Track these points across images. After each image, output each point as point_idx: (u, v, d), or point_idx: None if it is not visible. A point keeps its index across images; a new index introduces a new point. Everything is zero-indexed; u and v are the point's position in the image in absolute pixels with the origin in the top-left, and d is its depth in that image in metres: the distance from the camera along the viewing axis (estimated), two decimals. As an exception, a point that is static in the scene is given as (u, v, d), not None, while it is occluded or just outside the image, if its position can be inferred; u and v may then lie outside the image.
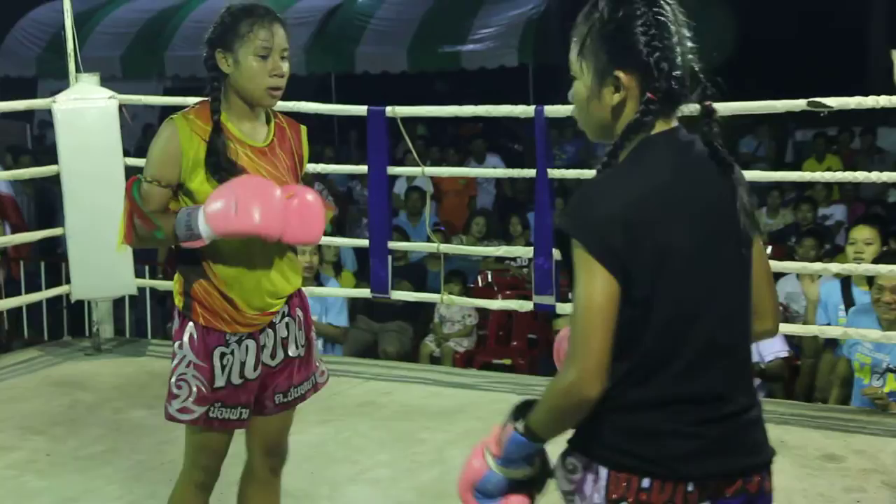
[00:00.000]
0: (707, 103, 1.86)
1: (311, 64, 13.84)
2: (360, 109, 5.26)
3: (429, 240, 5.93)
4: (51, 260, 7.32)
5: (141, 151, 9.88)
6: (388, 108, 5.17)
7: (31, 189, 8.85)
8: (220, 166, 2.64)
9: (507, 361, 6.75)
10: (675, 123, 1.86)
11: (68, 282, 5.68)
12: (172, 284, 2.82)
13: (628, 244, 1.74)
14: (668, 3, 1.84)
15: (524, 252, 6.11)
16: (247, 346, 2.75)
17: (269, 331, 2.79)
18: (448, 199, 9.85)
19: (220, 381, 2.72)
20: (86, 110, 5.46)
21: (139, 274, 6.04)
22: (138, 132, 12.30)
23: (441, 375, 5.24)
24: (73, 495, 3.85)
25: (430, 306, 6.89)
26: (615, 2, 1.83)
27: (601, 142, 1.91)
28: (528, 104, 5.38)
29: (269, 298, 2.75)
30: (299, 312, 2.86)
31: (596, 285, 1.73)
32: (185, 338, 2.73)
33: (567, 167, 9.68)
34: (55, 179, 5.67)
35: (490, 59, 13.37)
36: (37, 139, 13.51)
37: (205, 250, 2.68)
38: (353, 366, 5.52)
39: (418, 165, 5.67)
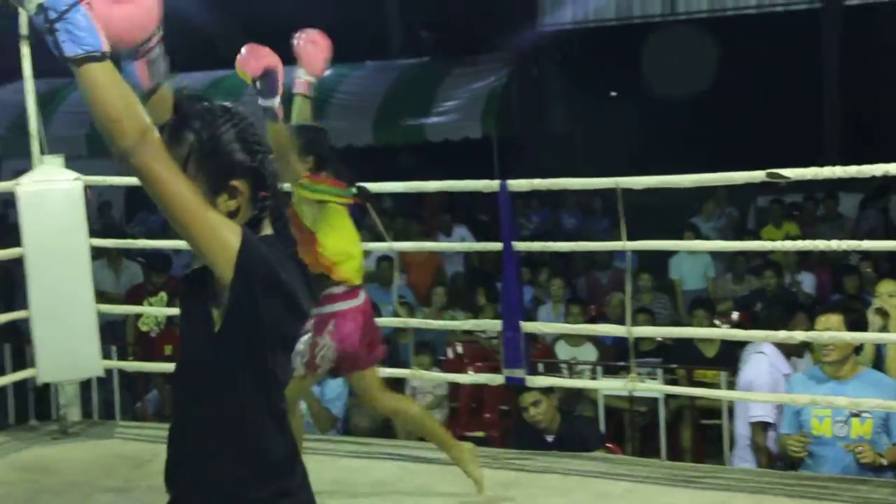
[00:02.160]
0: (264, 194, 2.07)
1: (276, 139, 13.91)
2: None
3: (395, 311, 5.96)
4: (15, 343, 7.24)
5: (107, 229, 9.81)
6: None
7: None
8: None
9: (481, 434, 6.72)
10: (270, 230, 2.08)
11: (33, 365, 5.61)
12: None
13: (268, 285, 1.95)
14: (240, 112, 2.06)
15: (492, 325, 6.13)
16: None
17: None
18: (414, 270, 9.88)
19: None
20: (50, 193, 5.44)
21: (106, 355, 5.99)
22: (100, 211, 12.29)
23: (415, 451, 5.20)
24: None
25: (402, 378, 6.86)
26: (203, 122, 2.01)
27: None
28: (493, 174, 5.45)
29: None
30: None
31: (226, 226, 1.95)
32: None
33: (533, 237, 9.83)
34: (18, 260, 5.63)
35: (454, 131, 13.52)
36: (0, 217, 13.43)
37: None
38: (324, 443, 5.47)
39: (384, 239, 5.71)
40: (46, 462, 5.23)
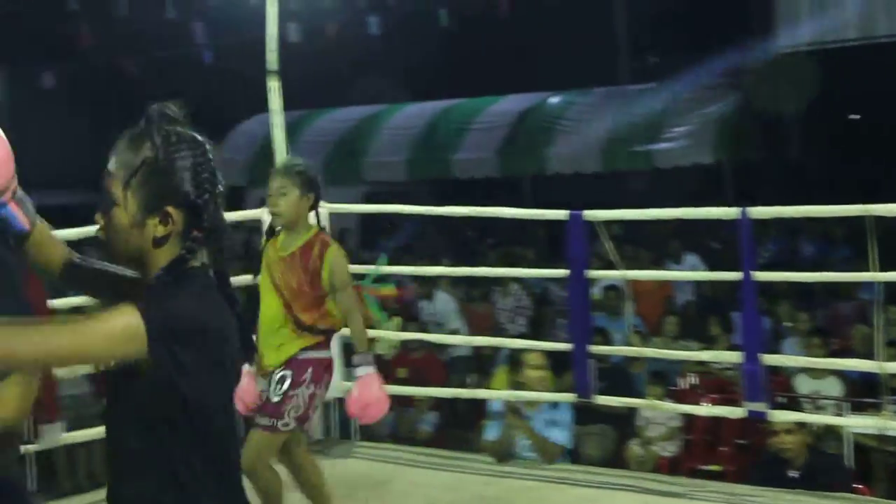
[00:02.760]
0: (198, 233, 1.94)
1: (505, 167, 14.08)
2: (562, 214, 5.27)
3: (628, 340, 5.88)
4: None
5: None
6: (588, 213, 5.16)
7: (244, 295, 9.24)
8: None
9: (717, 468, 6.53)
10: (203, 261, 1.96)
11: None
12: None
13: (197, 347, 1.83)
14: (208, 147, 1.95)
15: (729, 357, 5.95)
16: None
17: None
18: (643, 298, 9.73)
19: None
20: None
21: (347, 377, 6.17)
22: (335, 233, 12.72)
23: (649, 483, 5.09)
24: None
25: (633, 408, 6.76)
26: (166, 141, 1.91)
27: (127, 268, 2.03)
28: (725, 201, 5.30)
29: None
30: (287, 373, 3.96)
31: (118, 324, 1.77)
32: None
33: (769, 266, 9.48)
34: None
35: (683, 157, 13.26)
36: (245, 244, 14.15)
37: None
38: (555, 471, 5.44)
39: (615, 267, 5.64)
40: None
